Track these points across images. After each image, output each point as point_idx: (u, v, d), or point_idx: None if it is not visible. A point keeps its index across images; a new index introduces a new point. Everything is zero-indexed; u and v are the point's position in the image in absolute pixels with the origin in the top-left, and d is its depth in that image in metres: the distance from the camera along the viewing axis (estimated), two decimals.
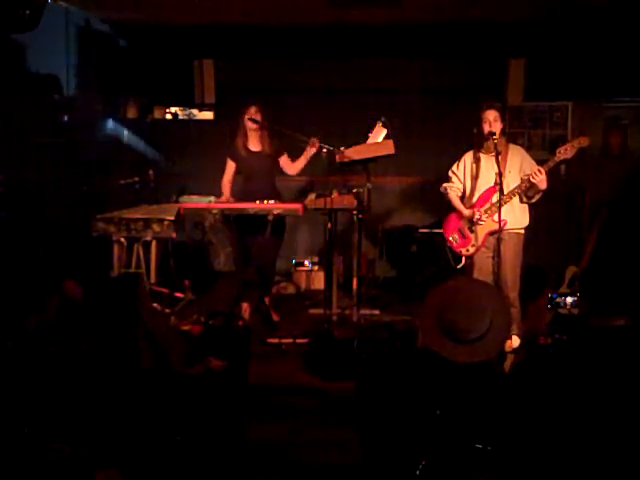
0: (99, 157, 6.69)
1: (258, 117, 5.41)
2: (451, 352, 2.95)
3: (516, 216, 4.72)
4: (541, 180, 4.54)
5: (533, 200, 4.72)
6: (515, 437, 2.20)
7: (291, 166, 5.61)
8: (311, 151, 5.38)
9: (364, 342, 4.57)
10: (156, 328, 3.65)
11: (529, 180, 4.59)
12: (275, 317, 5.61)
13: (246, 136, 5.52)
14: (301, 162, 5.53)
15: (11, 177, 5.54)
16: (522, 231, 4.78)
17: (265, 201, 5.27)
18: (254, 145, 5.56)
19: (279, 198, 5.50)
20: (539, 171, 4.53)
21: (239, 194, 5.60)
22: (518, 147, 4.94)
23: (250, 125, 5.46)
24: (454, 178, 4.94)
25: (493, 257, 4.71)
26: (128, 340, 3.26)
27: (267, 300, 5.66)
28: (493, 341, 2.98)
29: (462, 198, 4.94)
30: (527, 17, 6.33)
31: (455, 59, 7.02)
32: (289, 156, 5.62)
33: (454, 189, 4.94)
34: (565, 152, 4.56)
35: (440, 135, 6.86)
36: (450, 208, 4.97)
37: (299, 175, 5.82)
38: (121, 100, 7.17)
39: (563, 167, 6.46)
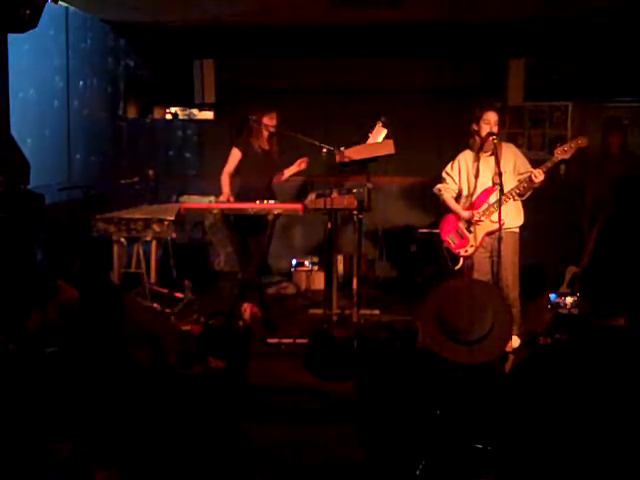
0: (99, 156, 6.68)
1: (274, 122, 5.52)
2: (452, 353, 2.94)
3: (511, 215, 4.72)
4: (541, 181, 4.55)
5: (525, 197, 4.74)
6: (515, 437, 2.20)
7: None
8: (300, 167, 5.72)
9: (364, 342, 4.57)
10: (154, 328, 3.65)
11: (529, 180, 4.59)
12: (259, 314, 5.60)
13: (261, 134, 5.59)
14: (287, 172, 5.82)
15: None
16: (517, 230, 4.80)
17: (265, 201, 5.29)
18: (264, 144, 5.64)
19: (275, 198, 5.57)
20: (539, 172, 4.54)
21: (236, 190, 5.65)
22: (510, 145, 4.93)
23: (265, 128, 5.55)
24: (448, 179, 4.93)
25: (491, 257, 4.72)
26: (120, 341, 3.26)
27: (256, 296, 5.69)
28: (495, 342, 2.98)
29: (456, 199, 4.93)
30: (527, 17, 6.33)
31: (455, 59, 7.02)
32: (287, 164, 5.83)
33: (449, 190, 4.93)
34: (563, 152, 4.57)
35: (440, 135, 6.86)
36: (446, 209, 4.97)
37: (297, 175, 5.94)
38: (121, 100, 7.16)
39: (563, 167, 6.45)
